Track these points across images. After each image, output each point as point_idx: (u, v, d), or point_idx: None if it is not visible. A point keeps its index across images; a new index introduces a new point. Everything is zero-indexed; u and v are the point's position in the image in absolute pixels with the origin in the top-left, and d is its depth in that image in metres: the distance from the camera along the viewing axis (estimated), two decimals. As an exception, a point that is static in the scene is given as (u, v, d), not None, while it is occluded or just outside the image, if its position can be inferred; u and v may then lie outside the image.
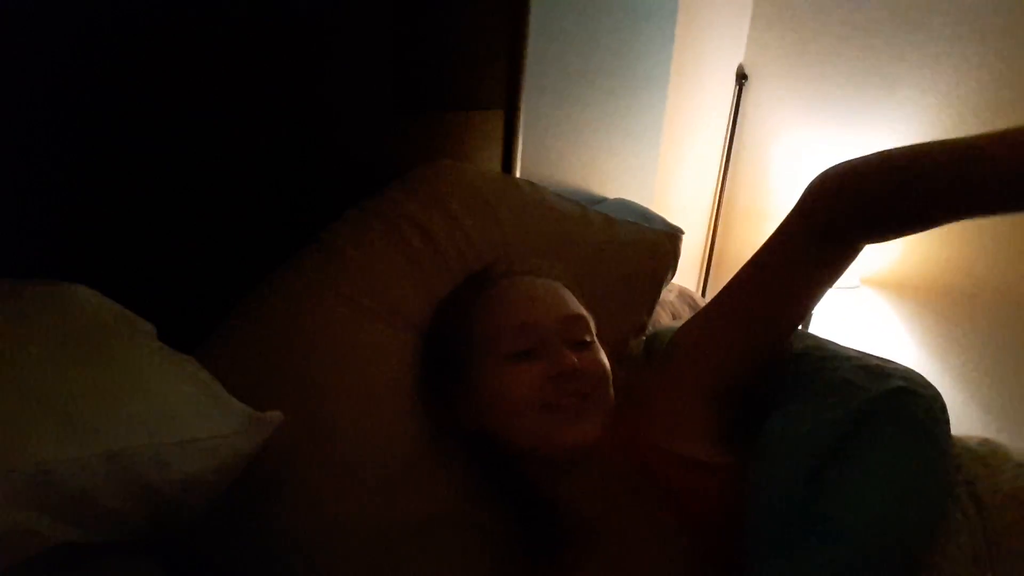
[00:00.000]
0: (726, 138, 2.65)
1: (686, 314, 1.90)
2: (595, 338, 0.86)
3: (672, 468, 0.78)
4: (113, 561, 0.58)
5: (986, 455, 0.72)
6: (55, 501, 0.54)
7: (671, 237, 1.12)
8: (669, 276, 1.11)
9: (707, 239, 2.78)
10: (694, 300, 2.05)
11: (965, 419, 2.27)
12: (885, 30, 2.34)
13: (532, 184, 1.16)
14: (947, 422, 0.74)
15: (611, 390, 0.82)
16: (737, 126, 2.64)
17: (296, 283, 0.92)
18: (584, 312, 0.87)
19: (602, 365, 0.83)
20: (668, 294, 1.83)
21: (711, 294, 2.85)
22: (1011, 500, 0.64)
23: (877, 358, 0.82)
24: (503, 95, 1.41)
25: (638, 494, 0.79)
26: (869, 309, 2.48)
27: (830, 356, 0.83)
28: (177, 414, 0.64)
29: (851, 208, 0.73)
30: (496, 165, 1.43)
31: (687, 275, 2.68)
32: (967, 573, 0.60)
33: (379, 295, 0.92)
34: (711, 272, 2.82)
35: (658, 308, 1.61)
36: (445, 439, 0.86)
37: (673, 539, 0.75)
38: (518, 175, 1.46)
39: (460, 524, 0.83)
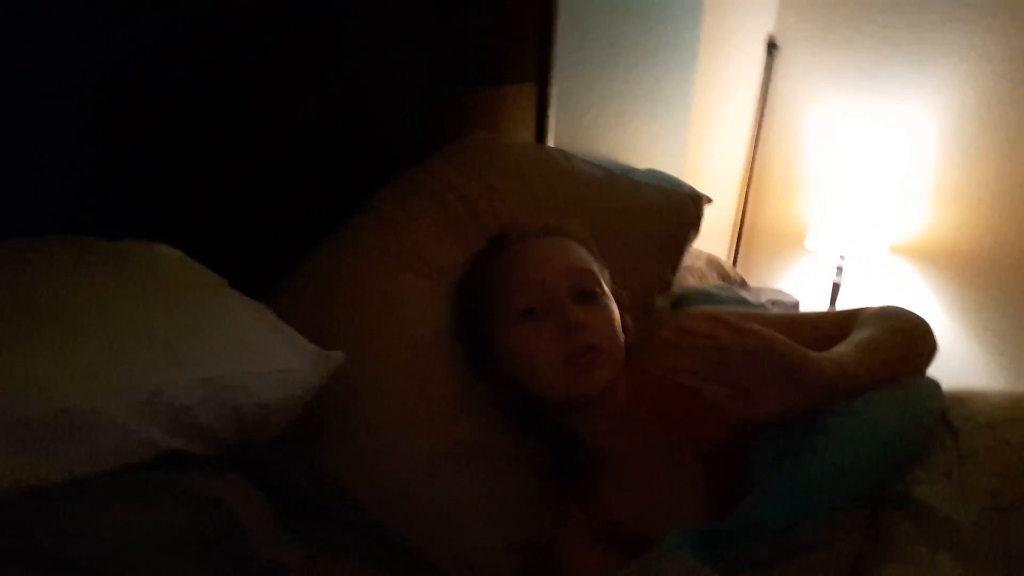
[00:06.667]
0: (757, 108, 2.66)
1: (713, 280, 1.96)
2: (606, 290, 0.93)
3: (685, 399, 0.86)
4: (209, 469, 0.70)
5: (962, 396, 0.80)
6: (164, 417, 0.65)
7: (694, 199, 1.20)
8: (692, 236, 1.18)
9: (738, 210, 2.80)
10: (723, 268, 2.10)
11: (988, 376, 2.31)
12: (916, -5, 2.33)
13: (562, 152, 1.24)
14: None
15: (620, 338, 0.90)
16: (768, 96, 2.65)
17: (350, 242, 1.03)
18: (591, 265, 0.94)
19: (608, 318, 0.89)
20: (697, 261, 1.89)
21: (742, 264, 2.89)
22: (986, 428, 0.73)
23: None
24: (535, 69, 1.47)
25: (652, 425, 0.89)
26: (898, 276, 2.51)
27: None
28: (257, 348, 0.74)
29: None
30: (530, 136, 1.50)
31: (718, 245, 2.71)
32: (940, 483, 0.69)
33: (423, 253, 1.02)
34: (742, 242, 2.84)
35: (686, 273, 1.68)
36: (481, 382, 0.96)
37: (684, 461, 0.85)
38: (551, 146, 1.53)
39: (495, 454, 0.93)
